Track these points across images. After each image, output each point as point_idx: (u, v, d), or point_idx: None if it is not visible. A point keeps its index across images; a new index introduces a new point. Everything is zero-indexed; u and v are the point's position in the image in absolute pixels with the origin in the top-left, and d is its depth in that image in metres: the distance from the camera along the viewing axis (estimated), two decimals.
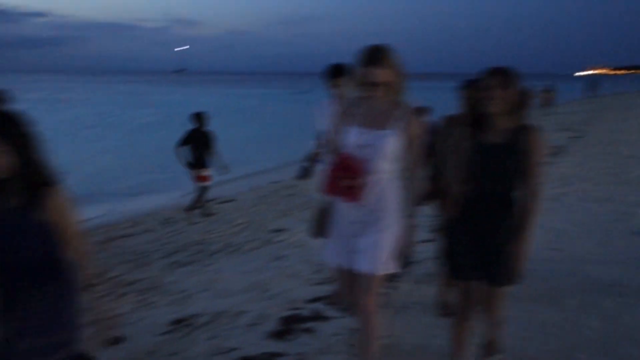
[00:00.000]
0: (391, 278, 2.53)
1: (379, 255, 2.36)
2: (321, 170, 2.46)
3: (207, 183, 7.17)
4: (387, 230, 2.37)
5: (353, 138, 2.36)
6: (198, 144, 6.95)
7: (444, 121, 3.17)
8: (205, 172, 7.08)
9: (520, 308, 3.35)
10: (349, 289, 2.49)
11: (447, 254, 2.51)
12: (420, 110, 2.50)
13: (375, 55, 2.29)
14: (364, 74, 2.31)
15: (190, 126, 7.01)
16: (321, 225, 2.54)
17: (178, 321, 3.53)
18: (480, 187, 2.37)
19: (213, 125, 7.27)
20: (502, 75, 2.30)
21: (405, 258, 2.45)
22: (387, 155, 2.34)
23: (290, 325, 3.30)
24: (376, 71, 2.28)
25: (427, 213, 3.14)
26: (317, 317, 3.42)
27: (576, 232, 5.23)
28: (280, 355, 2.95)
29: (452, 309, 2.73)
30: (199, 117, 6.99)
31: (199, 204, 7.25)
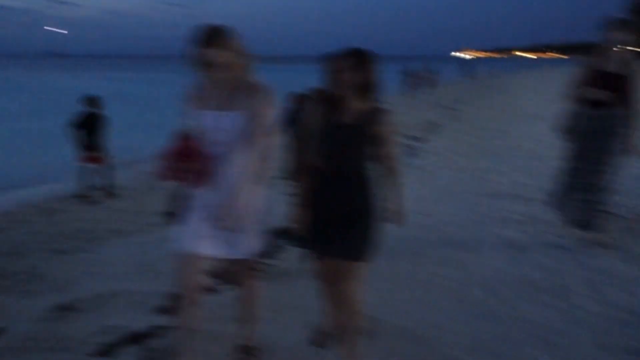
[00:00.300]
0: (261, 254, 2.53)
1: (241, 238, 2.36)
2: (160, 155, 2.35)
3: (98, 166, 7.35)
4: (245, 210, 2.31)
5: (201, 121, 2.34)
6: (92, 127, 7.15)
7: (300, 98, 3.32)
8: (98, 155, 7.29)
9: (386, 264, 3.72)
10: (202, 275, 2.44)
11: (303, 230, 2.49)
12: (267, 91, 2.42)
13: (210, 36, 2.25)
14: (199, 55, 2.25)
15: (81, 109, 7.18)
16: (174, 210, 2.49)
17: (61, 307, 3.50)
18: (333, 166, 2.40)
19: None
20: (354, 57, 2.33)
21: (268, 233, 2.50)
22: (237, 136, 2.30)
23: (178, 302, 3.40)
24: (211, 52, 2.24)
25: (286, 189, 3.33)
26: (207, 290, 3.56)
27: (441, 198, 5.83)
28: (167, 328, 3.06)
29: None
30: (92, 100, 7.22)
31: (96, 188, 7.40)
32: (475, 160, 7.87)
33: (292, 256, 3.85)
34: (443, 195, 5.96)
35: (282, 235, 2.67)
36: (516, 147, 8.74)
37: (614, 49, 3.99)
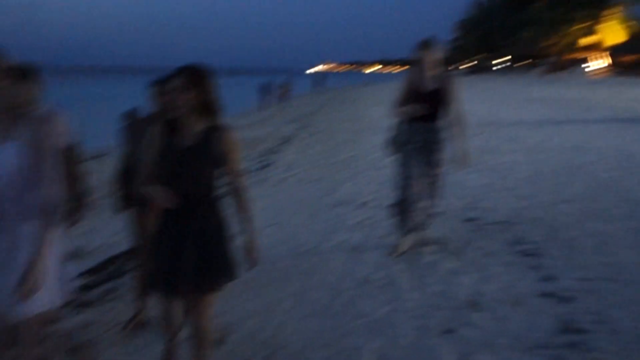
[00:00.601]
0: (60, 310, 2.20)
1: (26, 293, 1.93)
2: None
3: None
4: (31, 261, 1.95)
5: None
6: None
7: (134, 119, 3.15)
8: None
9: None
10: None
11: (149, 268, 2.35)
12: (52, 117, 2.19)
13: None
14: None
15: None
16: None
17: None
18: (176, 192, 2.25)
19: None
20: (187, 75, 2.22)
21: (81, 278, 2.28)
22: (11, 171, 1.97)
23: None
24: None
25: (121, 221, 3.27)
26: None
27: (293, 209, 6.17)
28: None
29: (159, 325, 2.64)
30: None
31: None
32: (325, 170, 8.39)
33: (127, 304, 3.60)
34: (294, 206, 6.31)
35: (115, 276, 2.50)
36: (362, 156, 9.45)
37: (429, 66, 4.25)
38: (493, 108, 18.02)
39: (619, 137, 10.64)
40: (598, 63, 59.67)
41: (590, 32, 62.83)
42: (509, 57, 74.22)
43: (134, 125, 3.13)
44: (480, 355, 2.93)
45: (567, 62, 62.64)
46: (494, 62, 77.82)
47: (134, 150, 3.03)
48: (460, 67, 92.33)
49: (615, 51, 58.44)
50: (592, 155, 8.71)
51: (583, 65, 60.07)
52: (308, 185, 7.43)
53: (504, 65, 75.24)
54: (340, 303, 3.62)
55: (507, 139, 10.87)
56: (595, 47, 62.16)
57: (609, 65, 57.55)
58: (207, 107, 2.28)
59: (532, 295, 3.63)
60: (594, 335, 3.08)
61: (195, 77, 2.23)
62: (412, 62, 4.39)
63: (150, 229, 2.71)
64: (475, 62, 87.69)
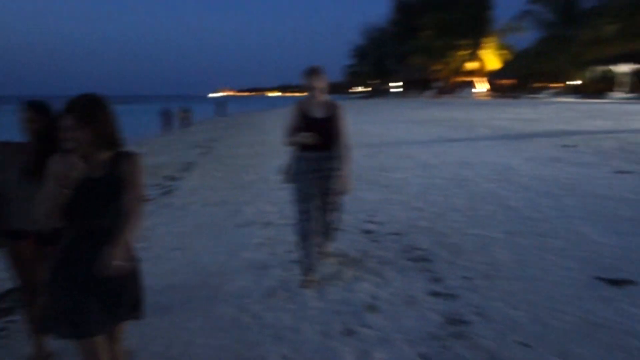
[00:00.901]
0: None
1: None
2: None
3: None
4: None
5: None
6: None
7: (3, 149, 2.92)
8: None
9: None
10: None
11: (56, 311, 2.18)
12: None
13: None
14: None
15: None
16: None
17: None
18: (82, 227, 2.19)
19: None
20: (79, 111, 2.11)
21: None
22: None
23: None
24: None
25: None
26: None
27: (197, 232, 6.18)
28: None
29: None
30: None
31: None
32: (228, 194, 8.46)
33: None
34: (198, 229, 6.32)
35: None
36: (264, 179, 9.62)
37: (317, 93, 4.17)
38: (389, 129, 19.05)
39: (497, 153, 11.74)
40: (481, 86, 65.15)
41: (473, 58, 68.52)
42: (401, 82, 78.64)
43: (3, 154, 2.92)
44: (377, 350, 3.19)
45: (455, 86, 67.74)
46: (391, 85, 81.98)
47: (3, 180, 2.88)
48: (357, 92, 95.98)
49: (493, 76, 64.29)
50: (474, 170, 9.55)
51: (469, 89, 65.29)
52: (212, 208, 7.46)
53: (398, 89, 79.49)
54: (247, 317, 3.74)
55: (401, 157, 11.59)
56: (478, 73, 67.86)
57: (489, 89, 63.02)
58: (107, 139, 2.22)
59: (423, 295, 3.98)
60: (475, 325, 3.46)
61: (88, 111, 2.12)
62: (301, 90, 4.31)
63: (29, 265, 2.64)
64: (370, 87, 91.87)
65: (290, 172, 4.35)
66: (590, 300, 3.77)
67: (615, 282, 4.05)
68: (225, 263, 4.96)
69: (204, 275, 4.64)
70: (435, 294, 3.99)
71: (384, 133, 17.63)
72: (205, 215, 7.07)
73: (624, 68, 42.80)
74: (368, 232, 5.75)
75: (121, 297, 2.28)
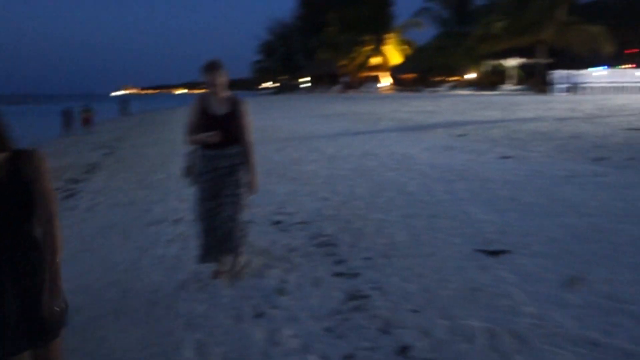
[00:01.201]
0: None
1: None
2: None
3: None
4: None
5: None
6: None
7: None
8: None
9: None
10: None
11: None
12: None
13: None
14: None
15: None
16: None
17: None
18: None
19: None
20: None
21: None
22: None
23: None
24: None
25: None
26: None
27: (106, 233, 6.13)
28: None
29: None
30: None
31: None
32: (136, 193, 8.37)
33: None
34: (107, 230, 6.26)
35: None
36: (172, 177, 9.55)
37: (218, 89, 4.05)
38: (297, 123, 19.45)
39: (399, 143, 12.48)
40: (386, 81, 67.55)
41: (377, 53, 70.80)
42: (309, 77, 79.67)
43: None
44: (286, 328, 3.46)
45: (361, 80, 69.70)
46: (299, 81, 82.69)
47: None
48: (267, 87, 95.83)
49: (396, 71, 66.96)
50: (378, 160, 10.13)
51: (374, 83, 67.46)
52: (120, 209, 7.37)
53: (307, 84, 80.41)
54: (160, 309, 3.87)
55: (309, 150, 11.98)
56: (382, 67, 70.24)
57: (392, 83, 65.55)
58: None
59: (328, 277, 4.31)
60: (372, 298, 3.84)
61: None
62: (202, 86, 4.19)
63: None
64: (279, 83, 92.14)
65: (191, 172, 4.31)
66: (471, 269, 4.29)
67: (493, 253, 4.62)
68: (137, 261, 5.01)
69: (115, 273, 4.68)
70: (339, 274, 4.34)
71: (293, 128, 17.99)
72: (114, 216, 6.99)
73: (512, 62, 46.50)
74: (277, 222, 6.02)
75: (38, 315, 2.05)
